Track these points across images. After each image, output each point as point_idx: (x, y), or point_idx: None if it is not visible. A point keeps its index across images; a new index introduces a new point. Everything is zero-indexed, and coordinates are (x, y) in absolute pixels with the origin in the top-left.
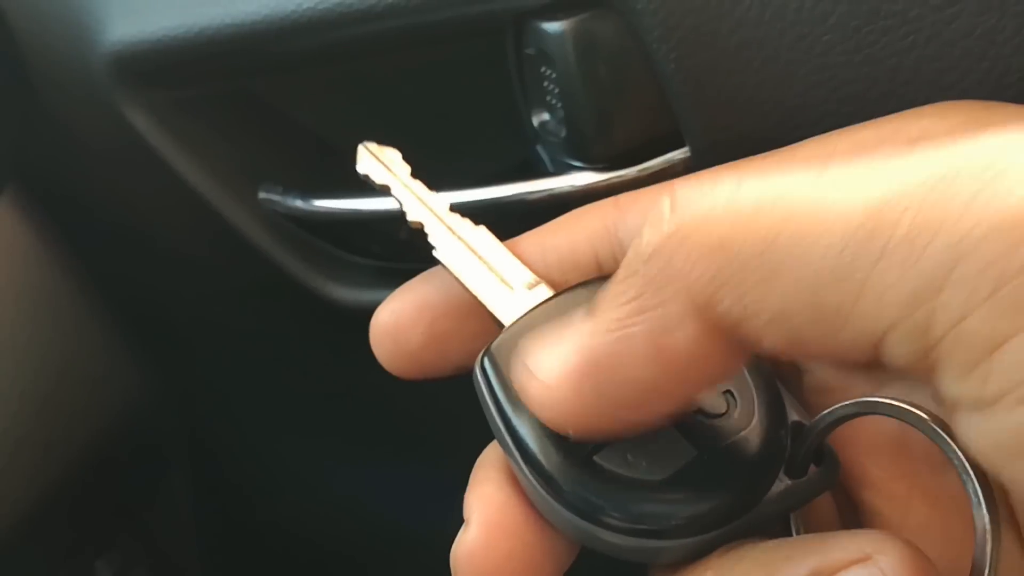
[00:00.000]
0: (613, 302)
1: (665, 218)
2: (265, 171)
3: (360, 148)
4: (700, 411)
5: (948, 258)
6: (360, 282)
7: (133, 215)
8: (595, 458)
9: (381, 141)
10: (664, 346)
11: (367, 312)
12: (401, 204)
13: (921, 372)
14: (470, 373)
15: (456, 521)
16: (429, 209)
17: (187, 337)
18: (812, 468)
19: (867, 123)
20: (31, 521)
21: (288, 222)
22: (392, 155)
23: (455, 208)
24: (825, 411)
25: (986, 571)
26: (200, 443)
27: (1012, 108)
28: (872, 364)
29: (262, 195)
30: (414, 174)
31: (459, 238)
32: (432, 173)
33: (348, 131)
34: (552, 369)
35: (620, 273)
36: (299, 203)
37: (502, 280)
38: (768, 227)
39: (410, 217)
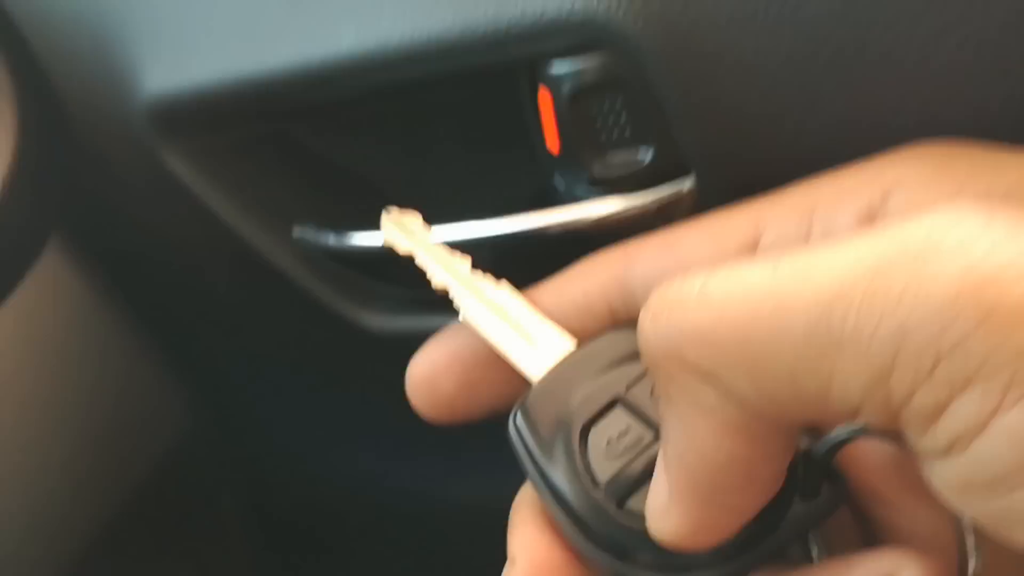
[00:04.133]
0: (663, 413)
1: (650, 338)
2: (298, 209)
3: (383, 216)
4: None
5: (892, 344)
6: (391, 309)
7: (175, 256)
8: (625, 503)
9: (406, 175)
10: (721, 429)
11: (398, 337)
12: (425, 270)
13: (895, 432)
14: (501, 417)
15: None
16: (452, 273)
17: (229, 368)
18: (823, 490)
19: (849, 168)
20: (87, 555)
21: (322, 256)
22: (413, 220)
23: (476, 248)
24: (827, 436)
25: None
26: (247, 470)
27: (977, 155)
28: None
29: (296, 232)
30: (436, 219)
31: (482, 298)
32: (456, 204)
33: (375, 166)
34: (660, 495)
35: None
36: (332, 239)
37: (526, 336)
38: (739, 323)
39: (435, 283)
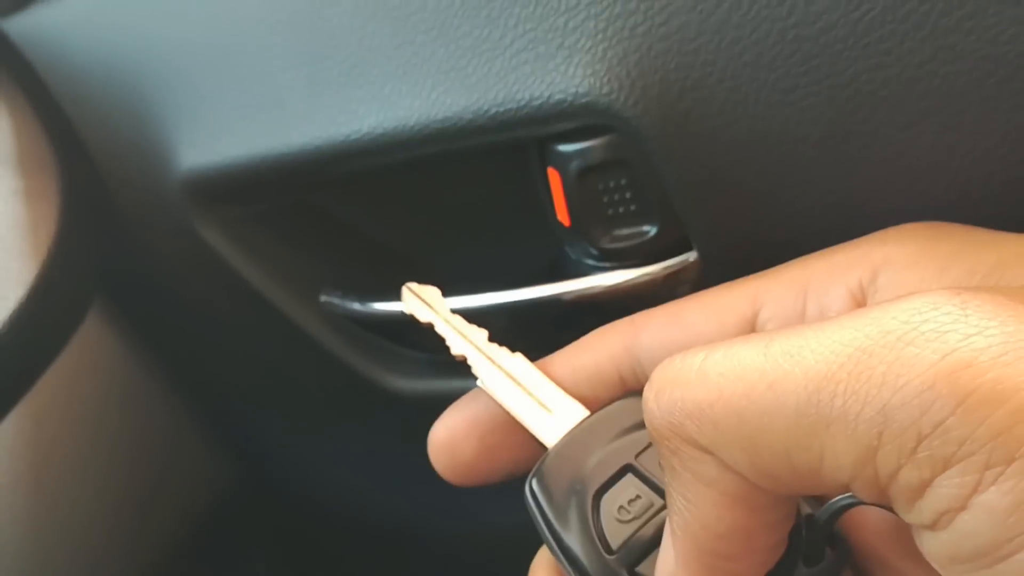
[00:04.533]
0: (667, 483)
1: (654, 413)
2: (324, 276)
3: (404, 289)
4: None
5: (876, 424)
6: (413, 372)
7: (210, 320)
8: (636, 568)
9: (425, 247)
10: (722, 500)
11: (420, 398)
12: (445, 340)
13: (885, 505)
14: (519, 479)
15: None
16: (470, 342)
17: (262, 426)
18: (826, 554)
19: (842, 246)
20: None
21: (347, 321)
22: (432, 293)
23: (492, 315)
24: (828, 503)
25: None
26: (277, 522)
27: (960, 235)
28: None
29: (323, 298)
30: (453, 286)
31: (499, 367)
32: (470, 275)
33: (397, 236)
34: (668, 562)
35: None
36: (356, 305)
37: (541, 404)
38: (735, 401)
39: (454, 351)
